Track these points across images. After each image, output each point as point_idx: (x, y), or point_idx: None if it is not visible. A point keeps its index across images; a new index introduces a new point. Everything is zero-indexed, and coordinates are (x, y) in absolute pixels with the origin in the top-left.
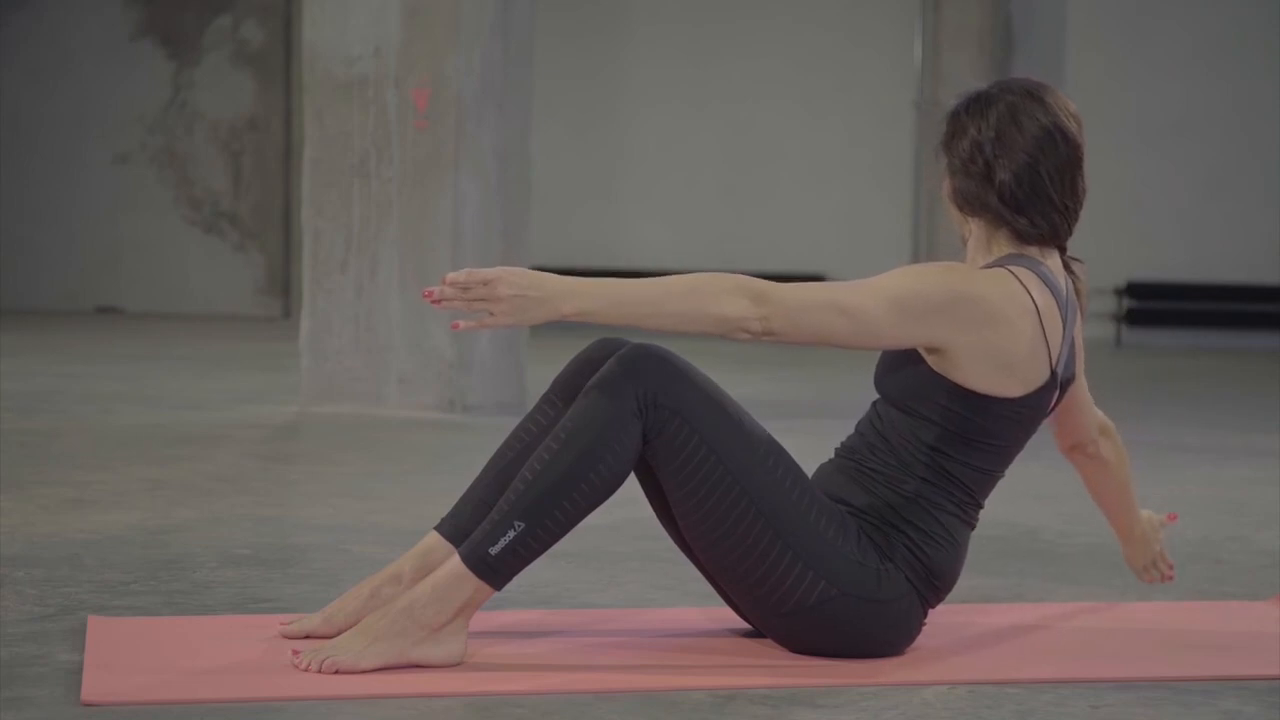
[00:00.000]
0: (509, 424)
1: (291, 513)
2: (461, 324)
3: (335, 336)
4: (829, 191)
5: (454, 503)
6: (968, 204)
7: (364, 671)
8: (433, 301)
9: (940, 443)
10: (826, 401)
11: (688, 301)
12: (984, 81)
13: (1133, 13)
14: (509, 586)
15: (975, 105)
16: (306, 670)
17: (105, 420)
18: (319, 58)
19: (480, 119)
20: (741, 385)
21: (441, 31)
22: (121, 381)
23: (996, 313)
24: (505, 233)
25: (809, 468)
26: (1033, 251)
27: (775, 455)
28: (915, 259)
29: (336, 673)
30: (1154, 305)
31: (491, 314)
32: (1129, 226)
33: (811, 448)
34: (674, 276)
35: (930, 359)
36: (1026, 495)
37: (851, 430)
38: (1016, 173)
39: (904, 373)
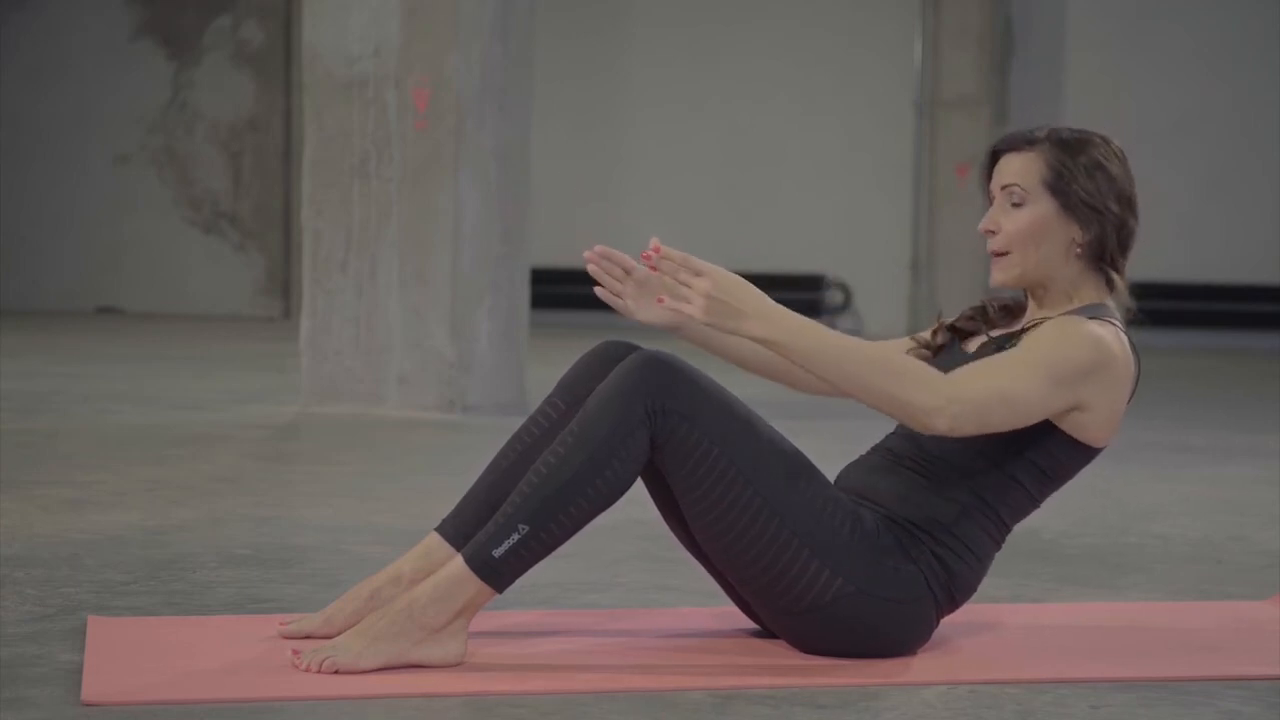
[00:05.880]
0: (509, 424)
1: (291, 513)
2: (666, 299)
3: (335, 336)
4: (829, 192)
5: (454, 503)
6: (1089, 251)
7: (364, 672)
8: (649, 265)
9: (1024, 476)
10: (827, 401)
11: (882, 378)
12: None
13: (1133, 13)
14: (509, 587)
15: (1099, 147)
16: (306, 671)
17: (105, 420)
18: (319, 58)
19: (480, 119)
20: (744, 386)
21: (441, 31)
22: (121, 381)
23: (1124, 375)
24: (505, 233)
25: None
26: (1105, 297)
27: (788, 454)
28: (915, 259)
29: (336, 673)
30: (1154, 305)
31: (689, 303)
32: None
33: (812, 448)
34: (867, 346)
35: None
36: None
37: (890, 434)
38: (1134, 224)
39: None
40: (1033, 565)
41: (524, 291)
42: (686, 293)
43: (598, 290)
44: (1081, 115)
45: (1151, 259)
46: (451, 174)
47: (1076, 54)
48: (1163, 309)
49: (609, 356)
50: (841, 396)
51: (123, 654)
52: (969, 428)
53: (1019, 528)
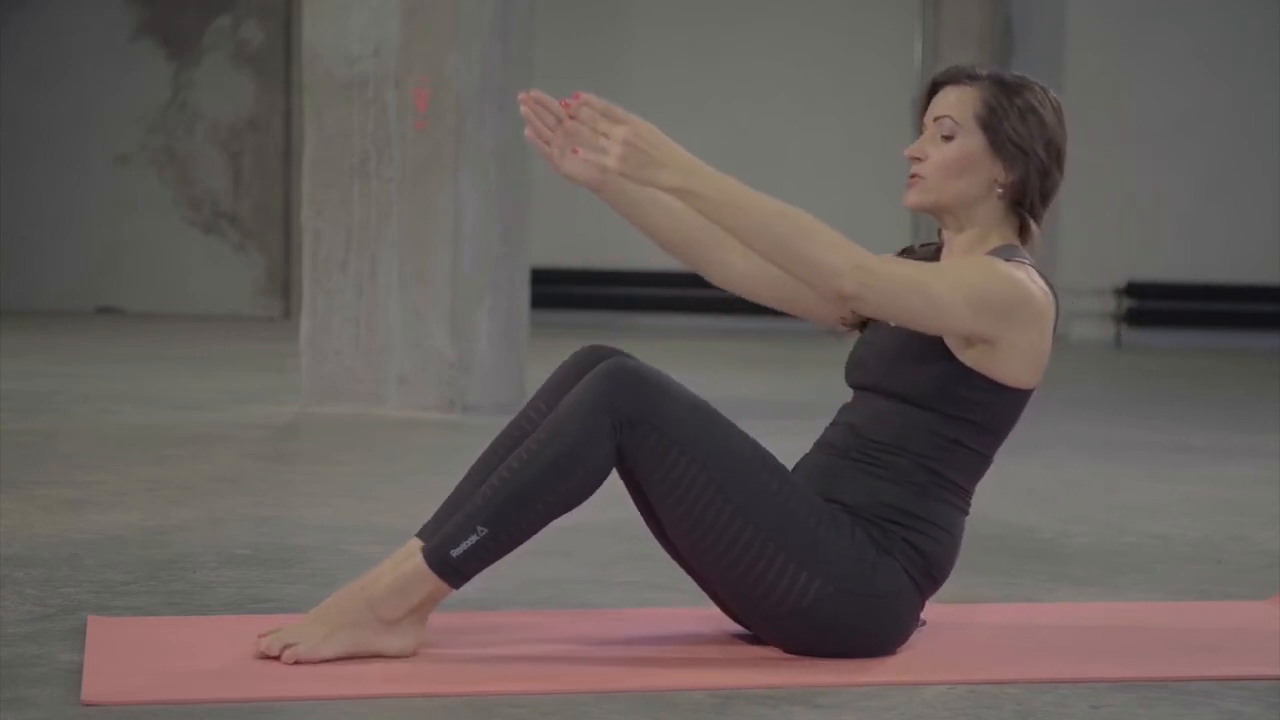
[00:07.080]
0: None
1: (291, 513)
2: (581, 152)
3: (335, 336)
4: (829, 191)
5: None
6: (1010, 193)
7: (323, 660)
8: (569, 113)
9: (964, 435)
10: (823, 401)
11: (796, 233)
12: (989, 64)
13: (1133, 13)
14: (505, 586)
15: (1036, 93)
16: (266, 650)
17: (105, 420)
18: (319, 58)
19: (480, 119)
20: (737, 386)
21: (441, 31)
22: (121, 381)
23: (1042, 311)
24: (505, 233)
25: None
26: (1016, 242)
27: (759, 459)
28: None
29: (296, 663)
30: (1154, 305)
31: (608, 154)
32: (1129, 226)
33: (806, 448)
34: (787, 205)
35: (969, 354)
36: (1023, 494)
37: (828, 426)
38: (1059, 176)
39: (925, 370)
40: (1031, 565)
41: (524, 291)
42: (604, 143)
43: (527, 133)
44: (1081, 115)
45: (1151, 259)
46: (451, 174)
47: (1076, 54)
48: (1163, 309)
49: (589, 362)
50: (758, 287)
51: (123, 654)
52: (873, 301)
53: (1019, 526)
